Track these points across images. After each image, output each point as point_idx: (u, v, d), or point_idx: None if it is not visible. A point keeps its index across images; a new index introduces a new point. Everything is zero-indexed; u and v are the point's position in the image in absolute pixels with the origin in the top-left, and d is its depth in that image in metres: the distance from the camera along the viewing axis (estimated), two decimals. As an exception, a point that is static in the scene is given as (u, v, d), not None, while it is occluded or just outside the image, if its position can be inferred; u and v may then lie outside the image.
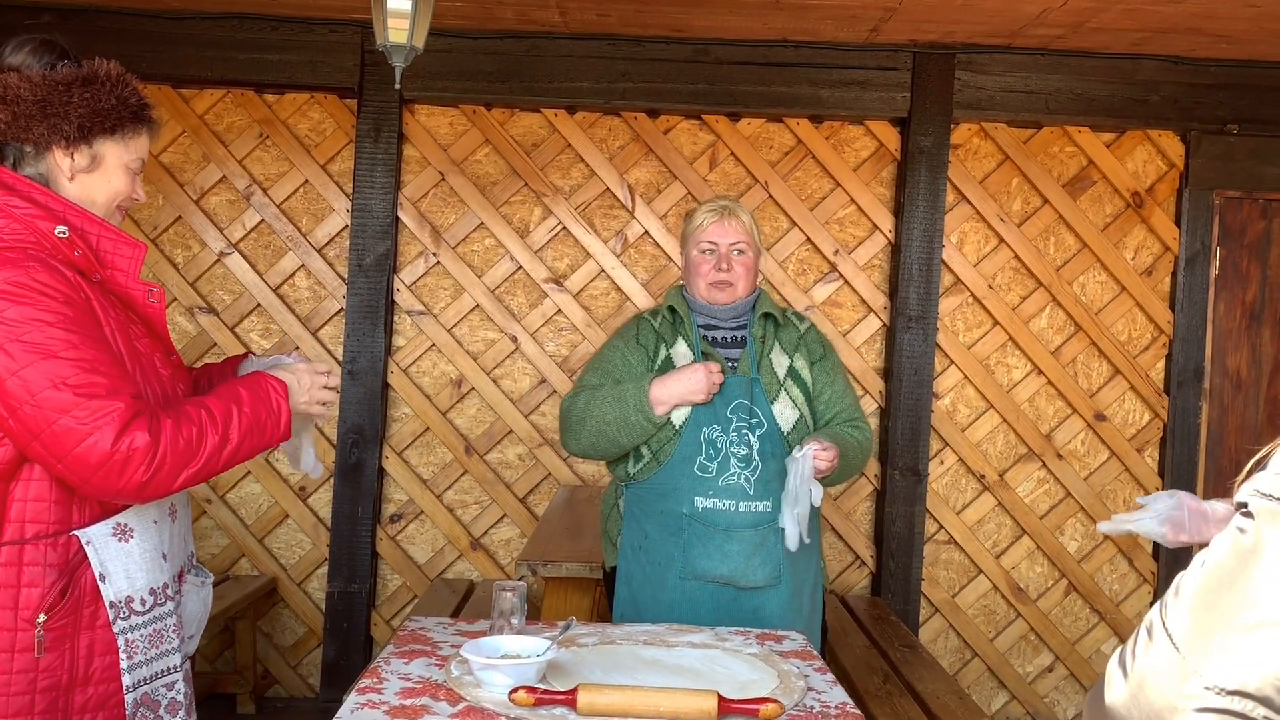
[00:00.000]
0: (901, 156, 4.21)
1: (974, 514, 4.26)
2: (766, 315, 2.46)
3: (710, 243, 2.41)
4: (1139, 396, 4.24)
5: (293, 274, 4.23)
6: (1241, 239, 4.20)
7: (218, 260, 4.20)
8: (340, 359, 4.17)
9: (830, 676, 1.91)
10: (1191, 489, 4.20)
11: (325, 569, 4.18)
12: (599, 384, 2.40)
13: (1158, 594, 4.23)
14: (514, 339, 4.24)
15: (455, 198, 4.24)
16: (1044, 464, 4.25)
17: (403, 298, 4.23)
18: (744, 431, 2.31)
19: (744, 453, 2.32)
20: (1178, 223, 4.22)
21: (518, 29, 4.08)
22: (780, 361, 2.43)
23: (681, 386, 2.27)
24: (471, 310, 4.25)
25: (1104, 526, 1.94)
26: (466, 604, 3.84)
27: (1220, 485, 4.23)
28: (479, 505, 4.26)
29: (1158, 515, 1.87)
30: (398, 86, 2.77)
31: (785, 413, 2.36)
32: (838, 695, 1.81)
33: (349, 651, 4.11)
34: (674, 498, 2.33)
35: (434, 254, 4.23)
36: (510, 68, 4.11)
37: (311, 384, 1.79)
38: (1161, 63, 4.11)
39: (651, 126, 4.23)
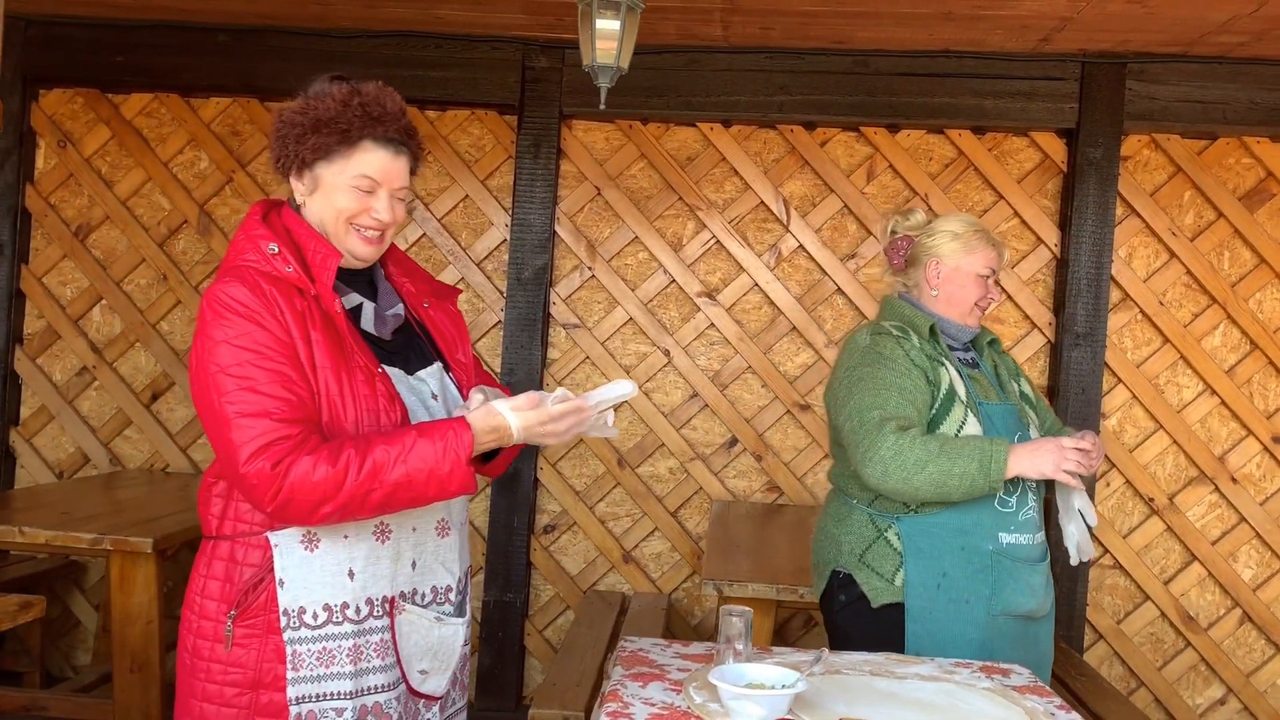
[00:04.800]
0: (1068, 169, 4.10)
1: (1141, 538, 4.11)
2: (992, 342, 2.43)
3: (990, 268, 2.37)
4: (1321, 419, 4.05)
5: (451, 287, 4.30)
6: None
7: (379, 273, 4.29)
8: (498, 371, 4.23)
9: (1077, 716, 1.85)
10: (1379, 517, 3.99)
11: (480, 578, 4.24)
12: (908, 414, 2.20)
13: (1340, 627, 4.03)
14: (666, 352, 4.24)
15: (610, 212, 4.27)
16: (1216, 487, 4.08)
17: (558, 311, 4.27)
18: None
19: (1035, 485, 2.27)
20: (1366, 237, 4.02)
21: (677, 44, 4.08)
22: (1012, 388, 2.40)
23: (1037, 463, 2.14)
24: (625, 324, 4.26)
25: None
26: (624, 618, 3.85)
27: None
28: (630, 518, 4.27)
29: None
30: (602, 107, 2.80)
31: (1037, 437, 2.31)
32: (1092, 736, 1.75)
33: (504, 661, 4.16)
34: (976, 534, 2.25)
35: (589, 268, 4.26)
36: (667, 82, 4.12)
37: (539, 425, 1.66)
38: (1350, 69, 3.93)
39: (808, 139, 4.20)
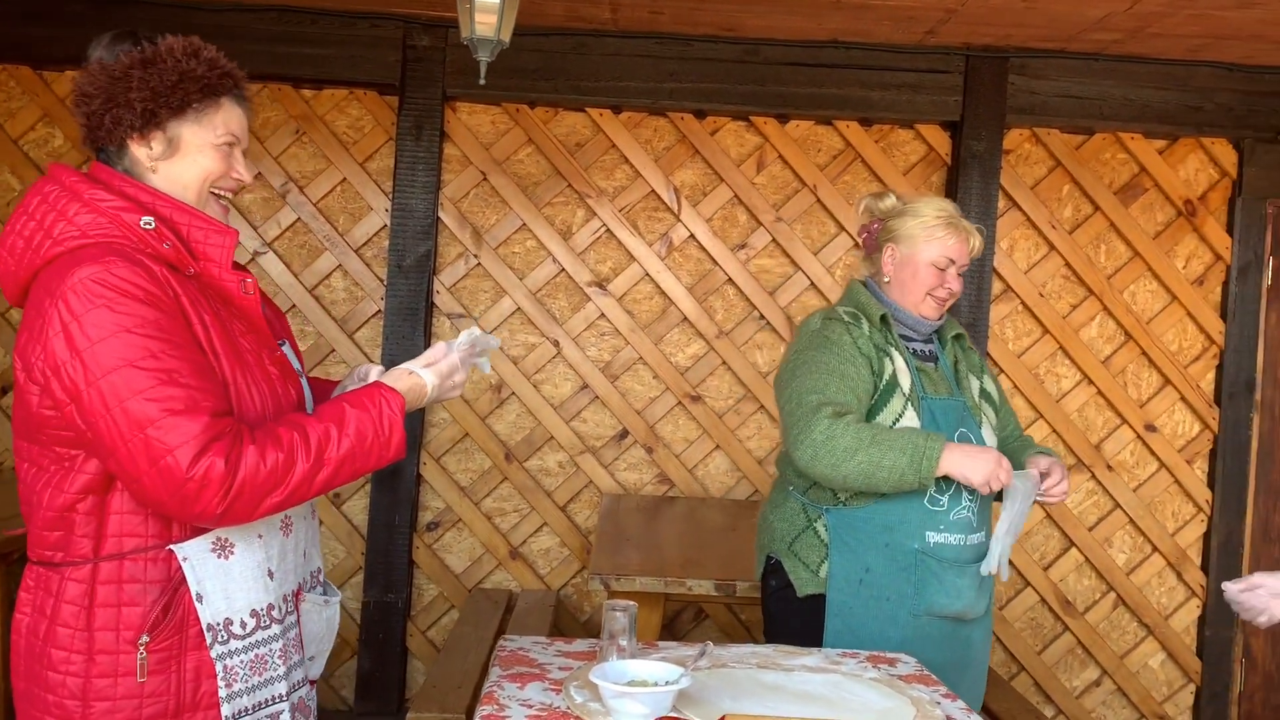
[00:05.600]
0: (952, 161, 4.14)
1: (1023, 525, 4.18)
2: (957, 337, 2.37)
3: (949, 259, 2.26)
4: (1189, 408, 4.18)
5: (329, 274, 4.12)
6: (1295, 249, 4.15)
7: (252, 259, 4.08)
8: (378, 363, 4.05)
9: (962, 704, 1.82)
10: (1241, 502, 4.14)
11: (359, 578, 4.07)
12: (850, 400, 2.15)
13: (1206, 607, 4.17)
14: (555, 343, 4.14)
15: (497, 198, 4.14)
16: (1093, 475, 4.18)
17: (442, 300, 4.13)
18: None
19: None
20: (1230, 232, 4.16)
21: (565, 26, 3.98)
22: (972, 383, 2.33)
23: (969, 467, 2.07)
24: (512, 313, 4.15)
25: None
26: (510, 616, 3.74)
27: (1270, 498, 4.17)
28: (518, 513, 4.16)
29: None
30: (482, 81, 2.68)
31: (990, 437, 2.26)
32: (978, 724, 1.73)
33: (385, 663, 4.00)
34: (902, 531, 2.20)
35: (474, 255, 4.13)
36: (555, 65, 4.02)
37: (447, 379, 1.67)
38: (1216, 69, 4.06)
39: (698, 127, 4.14)
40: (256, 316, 1.61)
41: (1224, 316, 4.16)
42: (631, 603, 1.89)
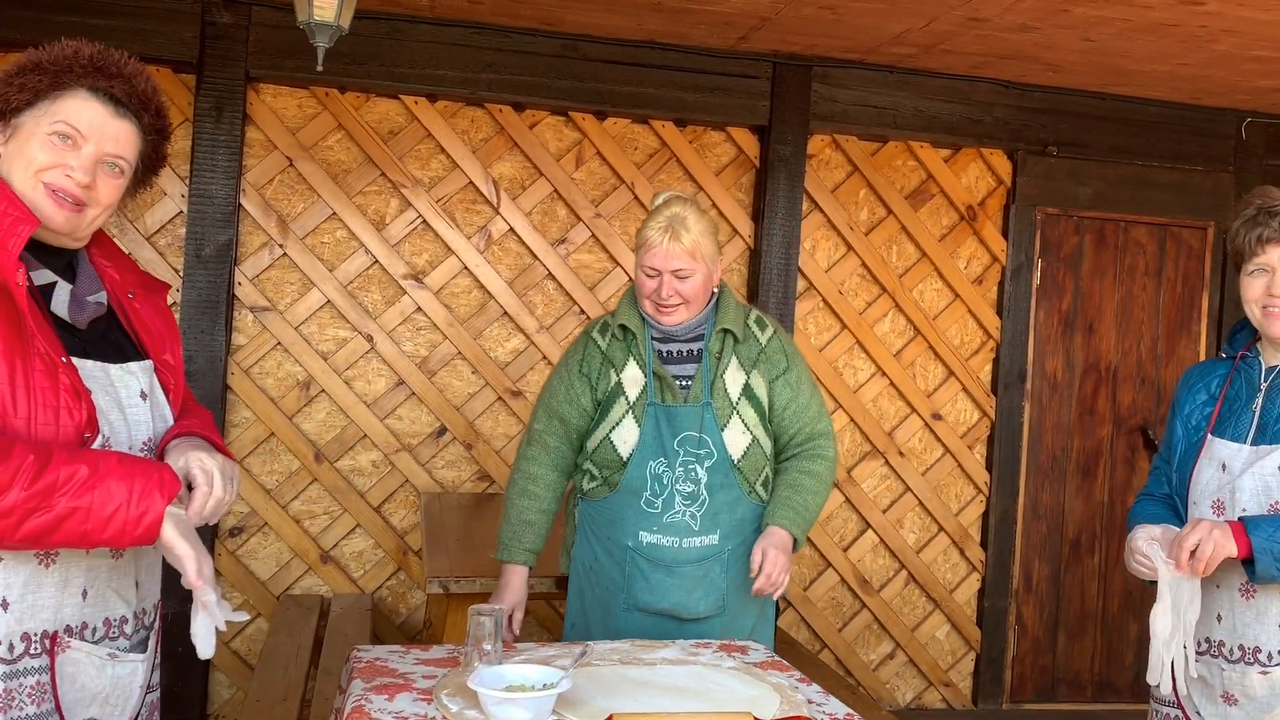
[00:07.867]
0: (761, 164, 4.30)
1: (824, 510, 4.41)
2: (726, 331, 2.36)
3: (652, 268, 2.28)
4: (970, 397, 4.54)
5: (116, 263, 3.80)
6: (1059, 252, 4.59)
7: (25, 246, 3.71)
8: (174, 358, 3.79)
9: (817, 687, 1.91)
10: (1014, 482, 4.54)
11: (155, 590, 3.79)
12: (544, 428, 2.41)
13: (985, 581, 4.55)
14: (369, 338, 4.00)
15: (304, 185, 3.95)
16: (886, 461, 4.46)
17: (244, 292, 3.90)
18: (691, 466, 2.28)
19: (690, 490, 2.30)
20: (1005, 236, 4.54)
21: (380, 10, 3.85)
22: (735, 380, 2.33)
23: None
24: (322, 307, 3.97)
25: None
26: (326, 623, 3.59)
27: (1039, 479, 4.60)
28: (329, 515, 4.00)
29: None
30: (319, 69, 2.54)
31: (736, 439, 2.30)
32: (836, 705, 1.81)
33: (185, 677, 3.75)
34: (620, 528, 2.33)
35: (280, 245, 3.93)
36: (367, 50, 3.88)
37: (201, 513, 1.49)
38: (994, 86, 4.42)
39: (517, 120, 4.11)
40: (24, 314, 1.44)
41: (1000, 313, 4.54)
42: (498, 607, 1.87)
